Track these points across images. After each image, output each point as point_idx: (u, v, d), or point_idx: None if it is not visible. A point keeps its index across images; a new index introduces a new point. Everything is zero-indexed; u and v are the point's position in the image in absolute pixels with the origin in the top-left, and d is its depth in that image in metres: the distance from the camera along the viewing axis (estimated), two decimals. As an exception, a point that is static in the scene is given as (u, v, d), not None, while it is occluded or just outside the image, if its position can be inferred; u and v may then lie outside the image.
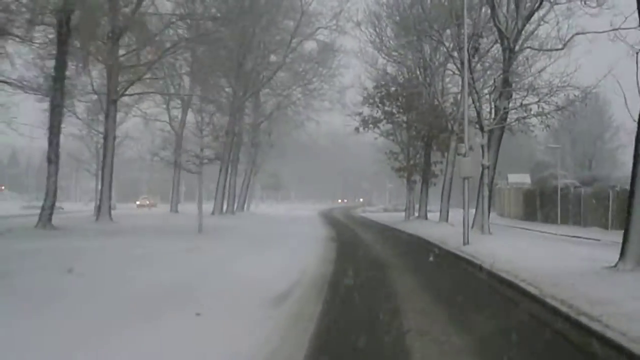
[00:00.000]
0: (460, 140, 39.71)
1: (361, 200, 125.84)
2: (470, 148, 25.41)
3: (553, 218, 44.77)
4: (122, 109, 49.92)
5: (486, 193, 29.00)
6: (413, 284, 15.79)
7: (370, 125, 47.60)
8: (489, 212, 29.99)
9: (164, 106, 54.65)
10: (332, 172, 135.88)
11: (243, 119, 55.31)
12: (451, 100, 43.54)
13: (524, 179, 63.37)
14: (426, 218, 46.50)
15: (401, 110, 46.65)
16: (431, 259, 21.50)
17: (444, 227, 36.50)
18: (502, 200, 61.00)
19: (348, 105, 54.08)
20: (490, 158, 29.29)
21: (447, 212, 40.51)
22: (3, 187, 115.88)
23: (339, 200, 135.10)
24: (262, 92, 59.82)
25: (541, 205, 48.16)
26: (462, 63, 28.10)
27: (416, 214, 48.68)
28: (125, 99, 47.11)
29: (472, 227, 29.49)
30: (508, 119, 31.15)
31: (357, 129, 47.69)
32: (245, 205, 68.46)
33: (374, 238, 32.45)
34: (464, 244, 24.30)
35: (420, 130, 46.37)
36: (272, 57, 55.09)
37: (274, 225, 39.19)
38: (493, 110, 30.48)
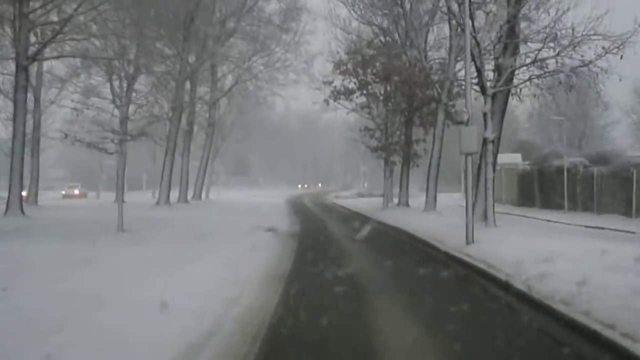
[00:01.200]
0: (449, 114, 33.87)
1: (332, 187, 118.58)
2: (467, 121, 18.99)
3: (556, 204, 38.19)
4: (54, 83, 43.37)
5: (490, 175, 22.53)
6: (419, 336, 8.86)
7: (342, 97, 40.85)
8: (494, 200, 23.29)
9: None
10: (303, 156, 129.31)
11: (196, 92, 48.35)
12: (437, 65, 36.94)
13: (514, 158, 56.53)
14: (407, 205, 40.15)
15: (377, 80, 40.00)
16: (430, 270, 14.82)
17: (432, 217, 30.03)
18: (490, 183, 54.63)
19: (316, 77, 47.61)
20: (494, 130, 22.83)
21: (435, 199, 33.90)
22: None
23: (305, 186, 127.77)
24: (220, 65, 53.10)
25: (541, 188, 41.49)
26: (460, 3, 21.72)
27: (395, 201, 42.28)
28: (58, 70, 40.38)
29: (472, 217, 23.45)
30: (515, 81, 24.67)
31: (326, 101, 40.91)
32: (204, 193, 61.65)
33: (348, 234, 25.34)
34: (468, 242, 18.02)
35: (400, 102, 39.83)
36: (230, 24, 48.36)
37: (229, 216, 32.33)
38: (496, 72, 23.95)
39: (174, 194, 45.58)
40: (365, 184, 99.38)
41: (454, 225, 21.26)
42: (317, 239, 22.79)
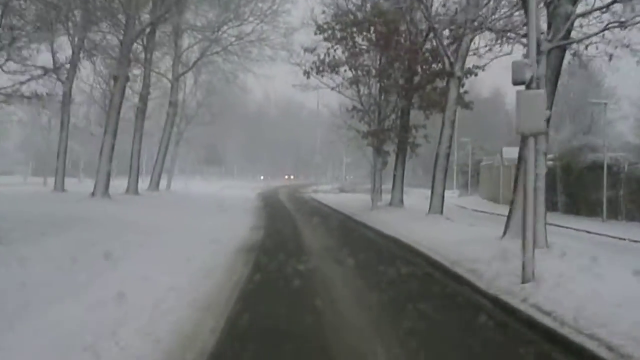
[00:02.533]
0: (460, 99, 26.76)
1: (312, 179, 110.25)
2: (530, 82, 11.79)
3: (588, 209, 30.86)
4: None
5: (542, 170, 14.67)
6: None
7: (327, 70, 33.22)
8: (545, 208, 15.56)
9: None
10: (283, 147, 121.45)
11: (151, 62, 40.62)
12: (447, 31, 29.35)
13: (523, 152, 49.21)
14: (402, 204, 32.76)
15: (371, 49, 32.58)
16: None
17: (442, 224, 22.40)
18: (494, 181, 47.18)
19: (297, 52, 40.05)
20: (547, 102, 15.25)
21: (442, 199, 26.25)
22: None
23: (286, 177, 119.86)
24: (185, 35, 45.54)
25: (566, 189, 34.00)
26: None
27: (385, 198, 34.88)
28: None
29: (505, 232, 16.76)
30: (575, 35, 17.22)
31: (307, 73, 33.20)
32: (164, 183, 53.93)
33: (328, 251, 17.43)
34: (525, 279, 10.89)
35: (397, 79, 32.41)
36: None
37: (176, 215, 24.72)
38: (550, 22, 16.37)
39: (121, 183, 38.11)
40: (348, 178, 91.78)
41: (480, 240, 15.59)
42: (281, 259, 14.55)
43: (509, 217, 16.81)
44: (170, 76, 46.44)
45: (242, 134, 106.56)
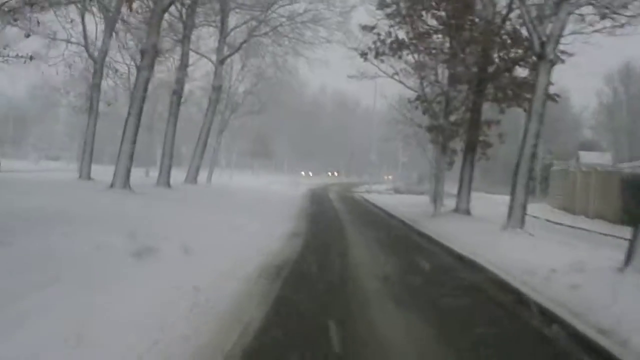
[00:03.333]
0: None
1: (365, 178, 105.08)
2: None
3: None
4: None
5: None
6: None
7: (387, 52, 28.66)
8: None
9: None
10: (337, 143, 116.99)
11: (189, 40, 36.44)
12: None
13: (602, 158, 43.78)
14: (469, 213, 28.07)
15: (441, 27, 27.97)
16: None
17: (524, 241, 17.51)
18: (569, 188, 41.97)
19: (354, 35, 35.65)
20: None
21: (524, 209, 21.33)
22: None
23: (335, 174, 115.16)
24: (232, 13, 41.36)
25: None
26: None
27: (446, 204, 30.15)
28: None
29: (629, 261, 12.07)
30: None
31: (364, 55, 28.70)
32: (207, 175, 50.02)
33: (385, 277, 12.36)
34: None
35: (469, 66, 27.75)
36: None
37: (203, 214, 20.39)
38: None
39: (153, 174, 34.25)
40: (401, 178, 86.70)
41: (593, 272, 11.43)
42: (316, 297, 9.87)
43: (634, 243, 12.05)
44: (214, 58, 42.34)
45: (295, 128, 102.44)
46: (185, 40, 35.46)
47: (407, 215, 29.09)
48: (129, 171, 26.53)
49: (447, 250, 17.14)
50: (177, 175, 37.98)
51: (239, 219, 19.67)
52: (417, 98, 29.57)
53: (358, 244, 18.59)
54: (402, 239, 20.60)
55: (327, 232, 20.96)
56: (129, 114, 26.68)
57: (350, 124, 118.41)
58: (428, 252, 16.90)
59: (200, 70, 48.31)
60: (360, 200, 48.11)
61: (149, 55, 26.54)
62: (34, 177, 37.23)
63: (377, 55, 28.50)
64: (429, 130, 29.36)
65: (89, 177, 33.20)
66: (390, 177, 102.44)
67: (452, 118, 29.03)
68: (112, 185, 26.16)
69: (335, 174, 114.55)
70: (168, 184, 34.55)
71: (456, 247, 17.02)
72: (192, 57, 43.02)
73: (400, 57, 29.29)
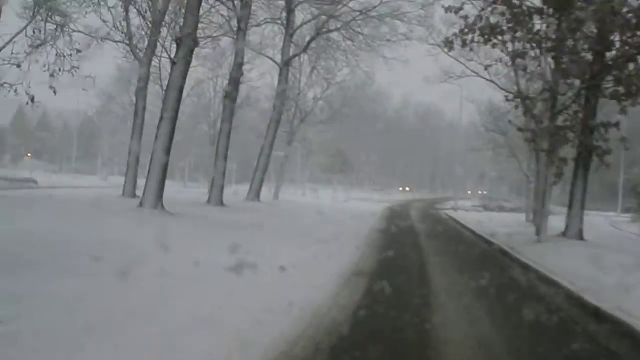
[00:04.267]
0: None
1: (450, 193, 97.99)
2: None
3: None
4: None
5: None
6: None
7: (477, 40, 23.22)
8: None
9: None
10: (419, 157, 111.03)
11: (245, 35, 31.52)
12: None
13: None
14: (581, 237, 22.49)
15: (545, 7, 22.43)
16: None
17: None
18: None
19: (437, 28, 30.79)
20: None
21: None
22: (29, 154, 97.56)
23: (405, 189, 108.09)
24: (298, 9, 36.65)
25: None
26: None
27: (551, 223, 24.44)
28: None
29: None
30: None
31: (449, 44, 23.35)
32: (270, 191, 45.29)
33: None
34: None
35: (581, 53, 22.19)
36: None
37: (249, 245, 15.28)
38: None
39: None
40: (489, 193, 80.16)
41: None
42: None
43: None
44: (279, 59, 37.62)
45: (376, 142, 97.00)
46: (239, 34, 30.62)
47: (503, 239, 23.52)
48: (161, 187, 21.77)
49: (579, 303, 11.57)
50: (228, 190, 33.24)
51: (281, 249, 14.59)
52: (517, 95, 23.88)
53: (441, 289, 13.19)
54: (504, 281, 14.82)
55: (402, 267, 15.54)
56: (161, 117, 21.97)
57: (434, 137, 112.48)
58: (550, 307, 11.06)
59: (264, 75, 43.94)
60: (445, 219, 42.35)
61: (186, 46, 21.73)
62: (66, 193, 33.10)
63: (465, 44, 23.08)
64: (532, 137, 23.63)
65: (133, 195, 28.82)
66: (469, 192, 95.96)
67: (560, 120, 23.36)
68: (141, 204, 21.47)
69: (407, 188, 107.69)
70: (221, 202, 29.85)
71: (604, 304, 11.14)
72: (254, 59, 38.94)
73: (493, 46, 23.86)
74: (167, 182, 22.59)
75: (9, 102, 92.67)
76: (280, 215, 27.75)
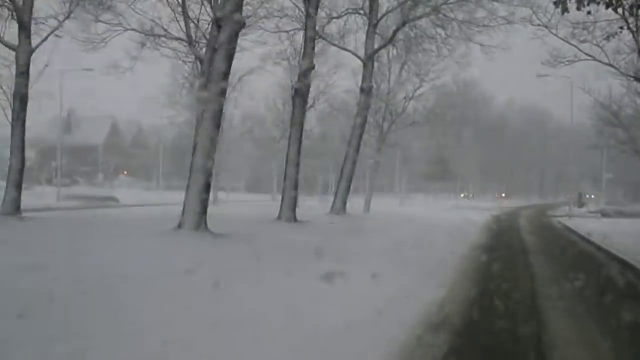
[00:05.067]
0: None
1: (562, 199, 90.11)
2: None
3: None
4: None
5: None
6: None
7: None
8: None
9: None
10: (525, 161, 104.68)
11: (312, 21, 27.07)
12: None
13: None
14: None
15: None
16: None
17: None
18: None
19: (543, 8, 26.20)
20: None
21: None
22: (125, 172, 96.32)
23: (502, 195, 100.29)
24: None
25: None
26: None
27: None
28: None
29: None
30: None
31: (560, 3, 18.17)
32: (361, 202, 40.91)
33: None
34: None
35: None
36: None
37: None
38: None
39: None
40: (605, 199, 73.05)
41: None
42: None
43: None
44: (362, 54, 33.18)
45: (479, 146, 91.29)
46: (308, 20, 26.33)
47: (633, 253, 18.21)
48: (204, 204, 17.57)
49: None
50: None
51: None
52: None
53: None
54: None
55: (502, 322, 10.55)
56: (202, 118, 17.72)
57: (541, 138, 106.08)
58: None
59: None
60: (560, 230, 36.54)
61: (229, 26, 17.44)
62: (134, 212, 29.71)
63: (582, 4, 17.90)
64: None
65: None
66: (588, 196, 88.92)
67: None
68: (179, 226, 17.27)
69: (503, 195, 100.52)
70: (294, 218, 25.57)
71: None
72: (337, 55, 34.94)
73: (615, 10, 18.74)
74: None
75: (101, 120, 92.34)
76: (361, 235, 22.77)
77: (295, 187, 26.21)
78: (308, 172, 63.93)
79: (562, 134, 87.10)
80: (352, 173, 33.39)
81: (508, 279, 14.03)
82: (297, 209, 26.49)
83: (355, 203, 40.01)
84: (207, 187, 17.78)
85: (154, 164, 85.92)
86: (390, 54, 38.53)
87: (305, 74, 26.30)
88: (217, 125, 17.77)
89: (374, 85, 36.78)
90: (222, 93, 17.86)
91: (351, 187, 34.01)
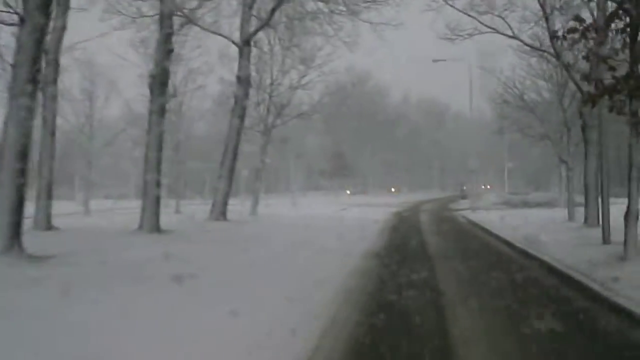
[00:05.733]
0: None
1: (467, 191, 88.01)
2: None
3: None
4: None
5: None
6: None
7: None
8: None
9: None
10: (425, 154, 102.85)
11: None
12: None
13: None
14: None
15: None
16: None
17: None
18: None
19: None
20: None
21: None
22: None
23: (387, 190, 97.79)
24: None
25: None
26: None
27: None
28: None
29: None
30: None
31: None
32: (246, 204, 37.39)
33: None
34: None
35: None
36: None
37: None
38: None
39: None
40: (508, 189, 71.16)
41: None
42: None
43: None
44: (237, 39, 29.51)
45: (378, 141, 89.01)
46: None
47: (572, 261, 14.87)
48: (16, 223, 13.65)
49: None
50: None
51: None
52: (577, 19, 14.82)
53: None
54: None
55: None
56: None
57: (439, 130, 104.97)
58: None
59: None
60: (465, 225, 33.21)
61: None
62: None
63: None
64: (612, 90, 14.53)
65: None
66: (489, 186, 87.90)
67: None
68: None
69: (392, 189, 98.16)
70: (157, 228, 21.61)
71: None
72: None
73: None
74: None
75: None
76: (232, 246, 18.85)
77: (158, 188, 22.24)
78: (194, 174, 60.15)
79: (462, 125, 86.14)
80: (231, 173, 29.64)
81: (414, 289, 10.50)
82: (181, 214, 22.79)
83: (247, 206, 36.84)
84: (19, 204, 13.76)
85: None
86: (272, 39, 34.92)
87: (162, 58, 22.27)
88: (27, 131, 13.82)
89: (254, 74, 33.14)
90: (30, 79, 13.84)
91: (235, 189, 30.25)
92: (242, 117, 29.88)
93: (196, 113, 47.32)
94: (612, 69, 13.73)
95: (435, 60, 43.19)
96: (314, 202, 57.97)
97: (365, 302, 10.73)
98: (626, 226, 14.06)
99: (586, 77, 14.91)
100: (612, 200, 18.31)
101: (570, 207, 29.22)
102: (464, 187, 70.88)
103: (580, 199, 28.33)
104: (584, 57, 15.27)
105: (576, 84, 22.12)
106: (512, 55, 31.90)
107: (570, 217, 28.34)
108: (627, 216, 14.14)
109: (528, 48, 27.26)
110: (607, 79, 13.96)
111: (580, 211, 26.31)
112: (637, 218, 14.08)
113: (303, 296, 10.56)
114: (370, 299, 11.09)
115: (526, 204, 48.44)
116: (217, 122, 51.87)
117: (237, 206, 38.44)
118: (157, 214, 21.91)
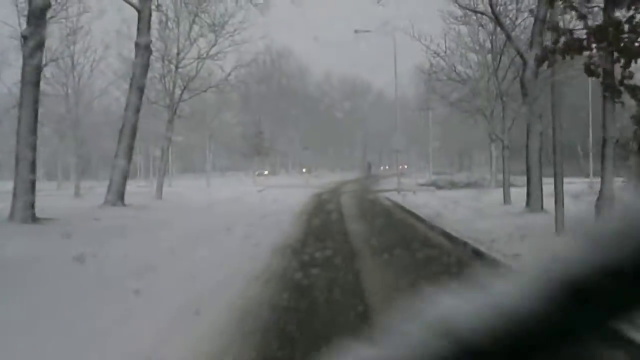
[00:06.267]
0: None
1: (390, 171, 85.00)
2: None
3: None
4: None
5: None
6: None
7: None
8: None
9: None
10: (348, 134, 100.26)
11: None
12: None
13: None
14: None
15: None
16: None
17: None
18: None
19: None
20: None
21: None
22: None
23: (303, 171, 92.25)
24: None
25: None
26: None
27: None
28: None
29: None
30: None
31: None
32: (152, 186, 34.29)
33: None
34: None
35: None
36: None
37: None
38: None
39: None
40: (432, 167, 68.91)
41: None
42: None
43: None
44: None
45: (299, 120, 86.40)
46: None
47: (497, 241, 12.15)
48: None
49: None
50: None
51: None
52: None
53: None
54: None
55: None
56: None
57: (363, 111, 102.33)
58: None
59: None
60: (394, 211, 29.92)
61: None
62: None
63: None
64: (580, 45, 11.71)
65: None
66: (405, 166, 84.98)
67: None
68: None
69: (304, 170, 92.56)
70: (31, 217, 18.24)
71: None
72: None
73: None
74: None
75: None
76: (118, 239, 15.50)
77: (33, 171, 18.80)
78: (108, 154, 56.60)
79: (385, 103, 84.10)
80: (130, 152, 26.32)
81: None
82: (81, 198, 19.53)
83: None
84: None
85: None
86: (179, 3, 31.54)
87: (36, 15, 18.73)
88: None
89: (160, 44, 29.80)
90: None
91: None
92: (141, 89, 26.45)
93: (97, 89, 43.23)
94: (583, 17, 10.93)
95: (357, 31, 40.30)
96: (230, 183, 55.19)
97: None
98: (597, 213, 11.37)
99: (555, 28, 11.82)
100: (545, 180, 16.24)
101: (506, 189, 26.68)
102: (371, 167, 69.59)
103: (513, 180, 26.34)
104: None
105: (517, 49, 19.67)
106: (442, 24, 29.39)
107: (506, 200, 25.90)
108: (599, 201, 11.48)
109: (460, 14, 24.83)
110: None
111: (514, 193, 24.30)
112: (612, 203, 11.41)
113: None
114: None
115: (454, 185, 46.03)
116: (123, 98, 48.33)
117: (146, 188, 35.35)
118: (31, 201, 18.50)
